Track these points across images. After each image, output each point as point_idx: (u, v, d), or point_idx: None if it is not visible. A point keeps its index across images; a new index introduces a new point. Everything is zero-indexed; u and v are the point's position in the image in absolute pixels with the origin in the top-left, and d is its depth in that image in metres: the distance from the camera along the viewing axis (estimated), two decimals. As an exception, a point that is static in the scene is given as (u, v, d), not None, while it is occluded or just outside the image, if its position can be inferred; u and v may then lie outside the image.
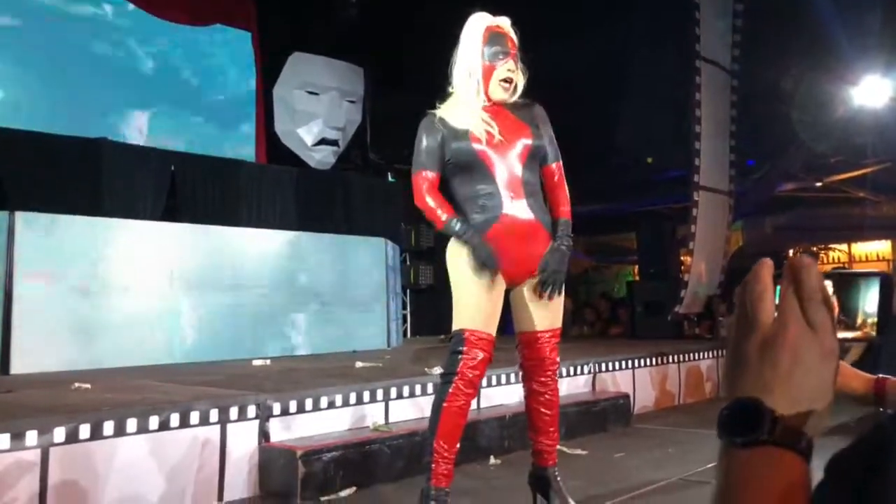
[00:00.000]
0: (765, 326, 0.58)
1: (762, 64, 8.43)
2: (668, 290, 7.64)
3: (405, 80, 9.00)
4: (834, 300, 0.61)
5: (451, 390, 2.51)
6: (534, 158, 2.63)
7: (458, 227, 2.53)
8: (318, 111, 8.94)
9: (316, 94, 8.96)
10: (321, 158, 8.96)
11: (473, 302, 2.55)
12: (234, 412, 3.10)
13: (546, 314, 2.65)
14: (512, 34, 2.66)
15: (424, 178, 2.60)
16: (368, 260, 6.62)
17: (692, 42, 7.63)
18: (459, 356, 2.51)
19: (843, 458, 0.55)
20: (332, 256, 6.34)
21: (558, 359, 2.70)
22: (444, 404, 2.52)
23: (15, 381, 4.03)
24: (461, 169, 2.60)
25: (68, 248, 4.86)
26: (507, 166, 2.58)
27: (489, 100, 2.63)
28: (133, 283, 5.09)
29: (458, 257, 2.57)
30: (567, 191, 2.73)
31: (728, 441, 0.56)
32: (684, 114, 7.66)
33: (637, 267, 10.64)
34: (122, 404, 2.99)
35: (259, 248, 5.91)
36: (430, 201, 2.58)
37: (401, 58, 9.10)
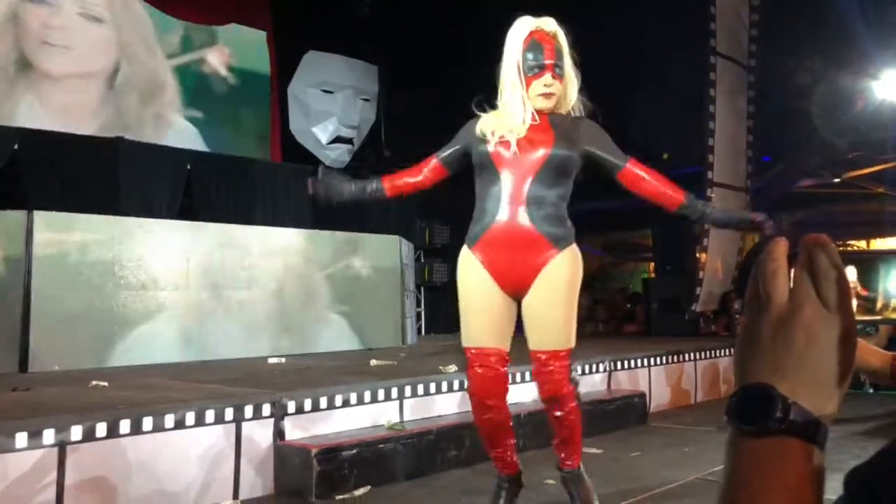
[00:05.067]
0: (778, 306, 0.55)
1: (779, 58, 8.34)
2: (685, 288, 7.59)
3: (419, 78, 9.00)
4: (855, 281, 0.58)
5: (471, 407, 2.59)
6: (551, 169, 2.49)
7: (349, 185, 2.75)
8: (332, 109, 8.97)
9: (331, 92, 8.99)
10: (336, 157, 8.99)
11: (472, 318, 2.54)
12: (249, 411, 3.11)
13: (540, 334, 2.50)
14: (556, 38, 2.53)
15: (427, 160, 2.68)
16: (383, 257, 6.63)
17: (707, 37, 7.57)
18: (468, 375, 2.56)
19: (867, 475, 0.51)
20: (347, 254, 6.36)
21: (565, 387, 2.50)
22: (474, 418, 2.60)
23: (33, 379, 4.07)
24: (478, 170, 2.58)
25: (86, 247, 4.90)
26: (517, 173, 2.49)
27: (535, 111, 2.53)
28: (149, 282, 5.13)
29: (460, 272, 2.59)
30: (663, 177, 2.56)
31: (737, 429, 0.53)
32: (699, 109, 7.60)
33: (653, 264, 10.58)
34: (138, 403, 3.01)
35: (274, 246, 5.93)
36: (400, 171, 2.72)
37: (414, 56, 9.10)
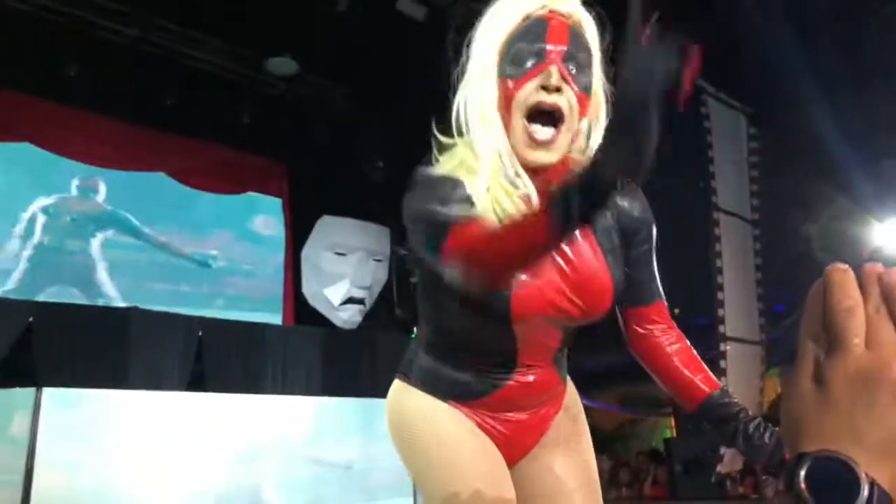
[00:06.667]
0: (856, 355, 0.46)
1: (784, 210, 8.52)
2: (708, 447, 7.32)
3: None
4: None
5: None
6: None
7: None
8: (345, 271, 9.12)
9: (343, 254, 9.18)
10: (348, 317, 9.03)
11: (466, 461, 1.43)
12: None
13: (582, 494, 1.52)
14: (574, 18, 1.30)
15: (469, 227, 1.24)
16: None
17: (709, 194, 7.78)
18: None
19: None
20: (360, 422, 6.21)
21: None
22: None
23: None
24: (459, 298, 1.33)
25: (92, 424, 4.83)
26: (542, 320, 1.38)
27: (526, 167, 1.32)
28: (154, 460, 5.00)
29: (422, 421, 1.48)
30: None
31: None
32: (706, 264, 7.67)
33: (673, 420, 10.29)
34: None
35: (285, 415, 5.83)
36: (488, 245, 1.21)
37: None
